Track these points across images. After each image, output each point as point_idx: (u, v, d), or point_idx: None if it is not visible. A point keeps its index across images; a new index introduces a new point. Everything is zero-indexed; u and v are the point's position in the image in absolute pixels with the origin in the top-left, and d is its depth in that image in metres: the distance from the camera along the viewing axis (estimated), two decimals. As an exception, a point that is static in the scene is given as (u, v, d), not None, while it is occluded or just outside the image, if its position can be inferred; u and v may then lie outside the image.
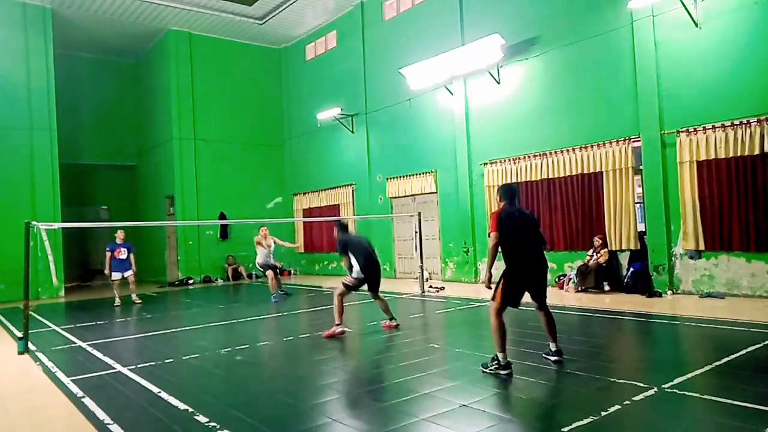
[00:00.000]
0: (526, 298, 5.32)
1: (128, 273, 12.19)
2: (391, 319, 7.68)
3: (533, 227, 5.44)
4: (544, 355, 5.51)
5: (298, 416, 4.24)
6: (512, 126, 12.27)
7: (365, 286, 7.51)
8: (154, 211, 18.84)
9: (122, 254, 12.11)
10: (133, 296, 12.31)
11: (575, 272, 10.76)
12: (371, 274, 7.38)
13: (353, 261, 7.35)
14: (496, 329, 5.10)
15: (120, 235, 12.19)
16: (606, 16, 10.54)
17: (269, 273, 11.56)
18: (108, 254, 12.05)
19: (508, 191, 5.53)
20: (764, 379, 4.61)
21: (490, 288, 5.29)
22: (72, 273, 17.72)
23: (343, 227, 7.87)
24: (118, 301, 12.01)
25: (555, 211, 11.45)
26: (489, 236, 5.29)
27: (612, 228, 10.46)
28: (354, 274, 7.32)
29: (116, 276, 12.11)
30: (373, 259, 7.48)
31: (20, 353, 6.92)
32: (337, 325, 7.20)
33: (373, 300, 7.67)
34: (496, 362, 5.06)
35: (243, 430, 3.95)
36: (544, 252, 5.50)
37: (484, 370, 5.12)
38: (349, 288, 7.38)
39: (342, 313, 7.28)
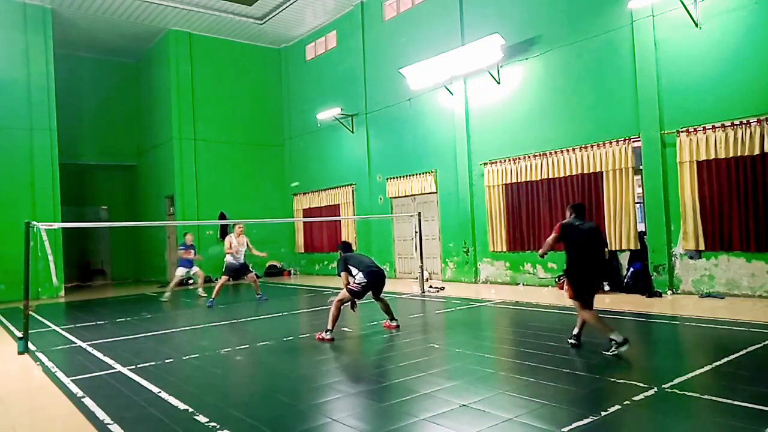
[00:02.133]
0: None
1: (195, 270, 13.10)
2: (392, 319, 7.67)
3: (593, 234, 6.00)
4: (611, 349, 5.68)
5: (298, 416, 4.23)
6: (512, 126, 12.27)
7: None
8: (154, 211, 18.84)
9: (190, 254, 13.05)
10: (200, 290, 13.25)
11: (575, 272, 10.75)
12: (376, 279, 7.23)
13: (354, 271, 7.22)
14: (592, 320, 5.78)
15: (189, 238, 13.28)
16: (606, 16, 10.54)
17: (224, 278, 11.45)
18: (181, 251, 13.08)
19: (573, 208, 6.19)
20: (764, 379, 4.61)
21: (542, 257, 6.11)
22: (72, 273, 17.71)
23: (345, 247, 7.75)
24: (168, 296, 12.75)
25: (555, 211, 11.44)
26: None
27: (612, 228, 10.46)
28: (358, 280, 7.15)
29: (182, 271, 12.97)
30: (377, 268, 7.35)
31: (20, 353, 6.93)
32: (328, 331, 7.01)
33: (374, 301, 7.66)
34: (615, 342, 5.51)
35: (243, 430, 3.95)
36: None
37: (607, 353, 5.54)
38: (354, 294, 7.16)
39: (336, 320, 7.08)
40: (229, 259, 11.40)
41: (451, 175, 13.65)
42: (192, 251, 13.15)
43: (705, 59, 9.21)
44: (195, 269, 13.11)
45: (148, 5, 15.36)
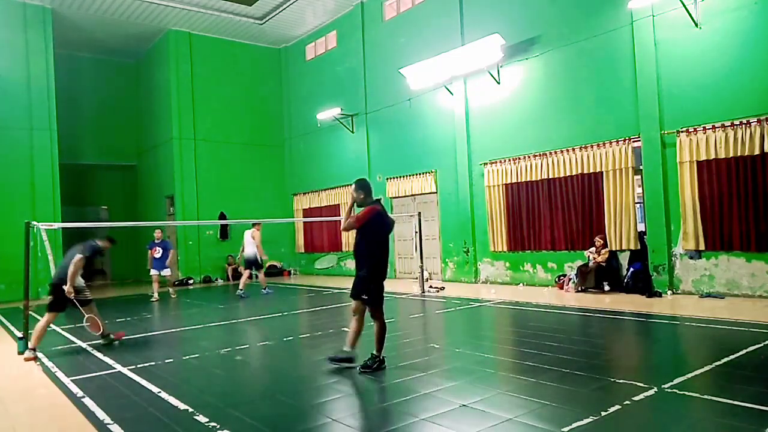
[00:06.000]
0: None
1: (165, 271, 12.68)
2: None
3: (390, 226, 5.56)
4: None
5: (298, 416, 4.23)
6: (512, 126, 12.27)
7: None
8: (154, 211, 18.84)
9: (157, 253, 12.58)
10: (170, 290, 13.16)
11: (575, 272, 10.76)
12: None
13: None
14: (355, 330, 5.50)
15: (157, 234, 12.76)
16: (606, 16, 10.54)
17: (247, 271, 12.39)
18: (149, 252, 12.68)
19: (368, 186, 5.57)
20: (764, 379, 4.61)
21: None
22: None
23: None
24: (155, 296, 12.45)
25: (555, 211, 11.45)
26: (357, 223, 5.29)
27: (612, 228, 10.46)
28: None
29: (153, 273, 12.66)
30: None
31: (20, 353, 6.92)
32: None
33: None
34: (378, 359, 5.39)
35: (243, 430, 3.95)
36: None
37: (365, 369, 5.30)
38: None
39: None
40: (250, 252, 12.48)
41: (451, 175, 13.64)
42: (159, 249, 12.50)
43: (705, 59, 9.21)
44: (166, 270, 12.63)
45: (148, 5, 15.36)
